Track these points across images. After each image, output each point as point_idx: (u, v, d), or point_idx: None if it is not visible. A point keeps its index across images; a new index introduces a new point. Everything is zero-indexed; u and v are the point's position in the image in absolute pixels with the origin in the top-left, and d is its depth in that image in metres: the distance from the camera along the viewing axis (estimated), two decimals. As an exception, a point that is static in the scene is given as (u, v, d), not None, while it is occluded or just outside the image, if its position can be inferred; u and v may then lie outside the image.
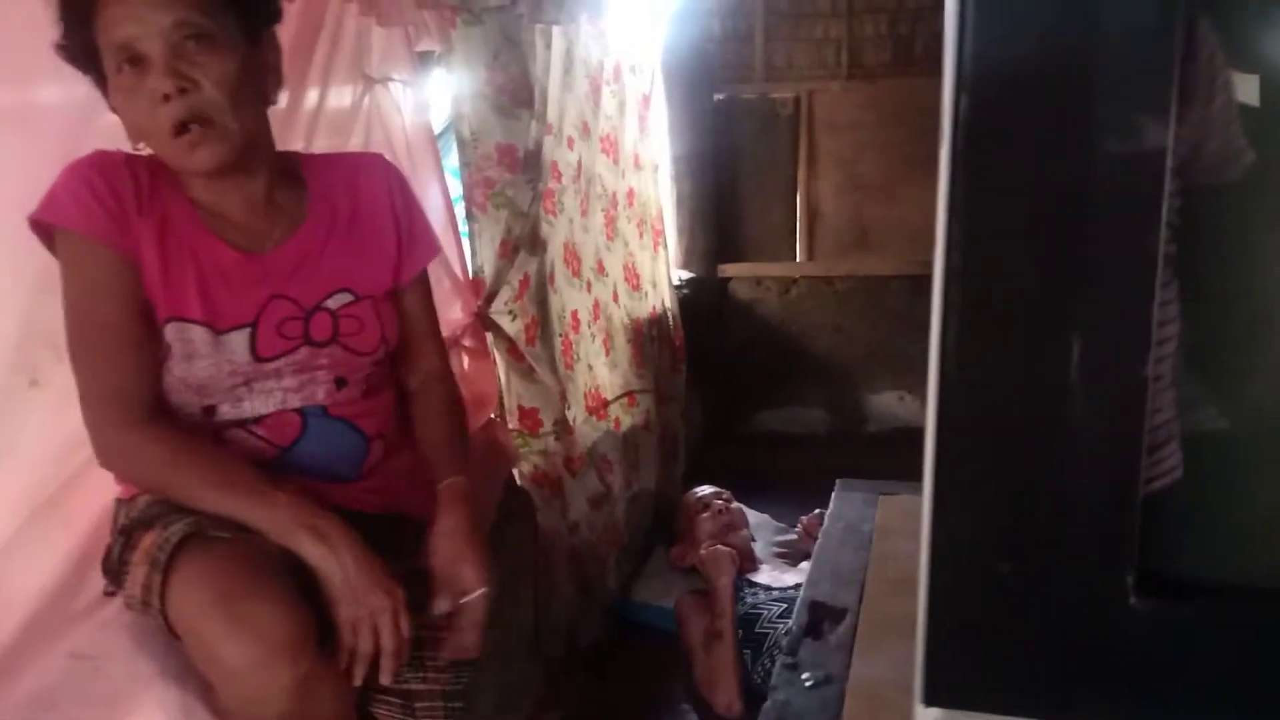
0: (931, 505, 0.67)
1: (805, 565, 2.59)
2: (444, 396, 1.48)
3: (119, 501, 1.26)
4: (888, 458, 3.62)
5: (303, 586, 1.12)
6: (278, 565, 1.11)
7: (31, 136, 1.24)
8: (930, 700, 0.65)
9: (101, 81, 1.20)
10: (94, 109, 1.24)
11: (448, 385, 1.50)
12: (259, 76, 1.25)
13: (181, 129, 1.16)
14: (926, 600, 0.65)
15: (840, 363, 3.82)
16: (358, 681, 1.15)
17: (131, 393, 1.18)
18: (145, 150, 1.24)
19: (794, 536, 2.78)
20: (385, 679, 1.16)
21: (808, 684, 0.87)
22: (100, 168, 1.19)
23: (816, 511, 2.67)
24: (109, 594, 1.26)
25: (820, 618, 1.00)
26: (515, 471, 2.14)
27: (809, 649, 0.94)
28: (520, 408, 2.19)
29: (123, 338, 1.18)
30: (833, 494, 1.47)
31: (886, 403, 3.81)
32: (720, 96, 3.72)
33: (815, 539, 2.61)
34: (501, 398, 2.15)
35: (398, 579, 1.17)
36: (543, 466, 2.23)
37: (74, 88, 1.23)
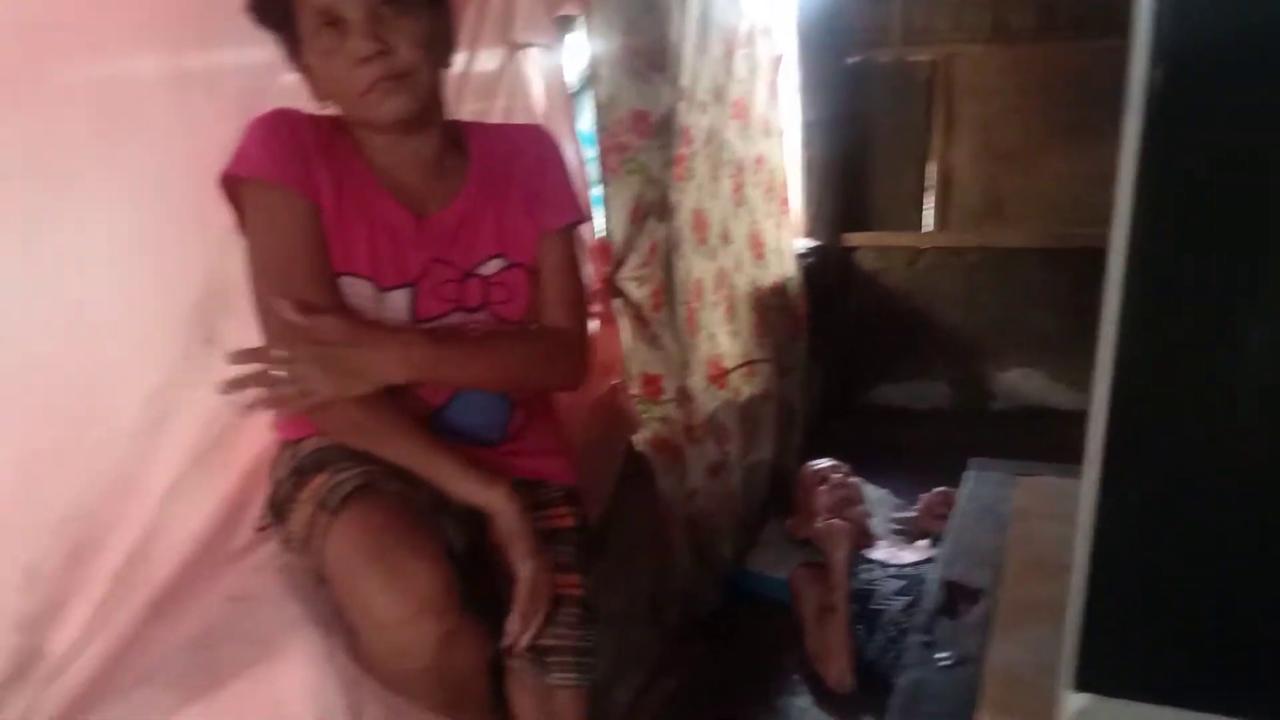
0: (1098, 488, 0.64)
1: (923, 543, 2.55)
2: (547, 340, 1.43)
3: (285, 443, 1.33)
4: (1014, 436, 3.53)
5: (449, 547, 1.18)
6: (432, 523, 1.16)
7: (213, 100, 1.29)
8: (1081, 685, 0.63)
9: (289, 42, 1.25)
10: (270, 73, 1.29)
11: (572, 343, 1.45)
12: (441, 40, 1.30)
13: (374, 84, 1.20)
14: (1084, 583, 0.62)
15: (967, 337, 3.71)
16: (516, 638, 1.23)
17: None
18: (328, 108, 1.28)
19: (913, 514, 2.73)
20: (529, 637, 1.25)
21: (943, 663, 0.86)
22: (285, 120, 1.25)
23: (939, 489, 2.62)
24: (260, 530, 1.33)
25: (955, 597, 0.99)
26: (636, 438, 2.16)
27: (944, 628, 0.93)
28: (644, 374, 2.20)
29: (315, 276, 1.24)
30: (966, 473, 1.43)
31: (1014, 380, 3.69)
32: (854, 60, 3.61)
33: (937, 517, 2.57)
34: (625, 364, 2.17)
35: None
36: (663, 433, 2.24)
37: (252, 52, 1.29)
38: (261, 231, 1.25)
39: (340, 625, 1.18)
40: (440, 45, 1.30)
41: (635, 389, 2.18)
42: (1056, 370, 3.60)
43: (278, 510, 1.28)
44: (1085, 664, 0.63)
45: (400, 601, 1.08)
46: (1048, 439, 3.43)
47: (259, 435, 1.37)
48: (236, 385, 1.16)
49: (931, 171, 3.68)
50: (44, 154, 1.13)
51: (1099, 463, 0.63)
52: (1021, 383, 3.68)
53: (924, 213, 3.72)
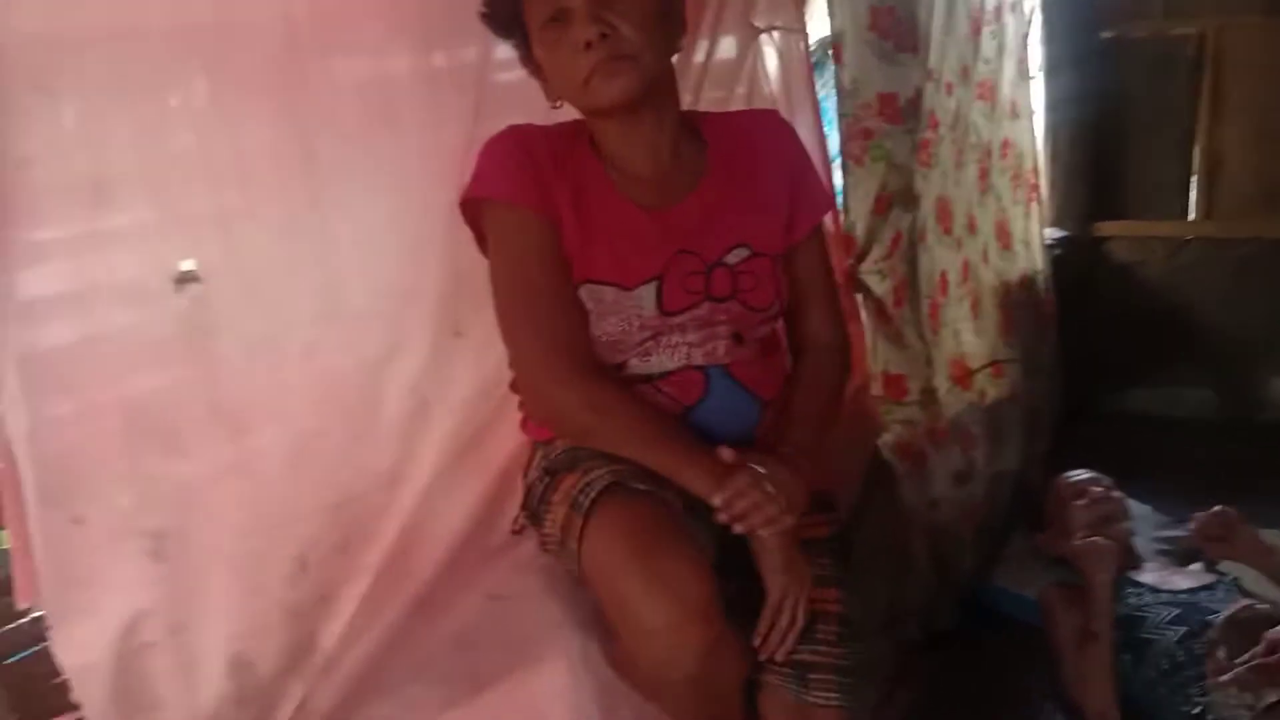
0: None
1: (1196, 567, 2.29)
2: (829, 373, 1.42)
3: (536, 443, 1.33)
4: (1288, 451, 3.17)
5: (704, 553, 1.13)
6: (687, 527, 1.11)
7: (460, 97, 1.30)
8: None
9: (521, 44, 1.26)
10: (510, 70, 1.29)
11: (837, 360, 1.44)
12: (669, 21, 1.26)
13: (597, 67, 1.19)
14: None
15: (1234, 338, 3.34)
16: (771, 652, 1.18)
17: (572, 347, 1.23)
18: (560, 108, 1.27)
19: (1182, 533, 2.46)
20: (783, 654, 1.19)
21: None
22: (518, 140, 1.26)
23: (1216, 509, 2.35)
24: (516, 531, 1.33)
25: None
26: (880, 441, 2.05)
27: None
28: (885, 374, 2.09)
29: (558, 296, 1.24)
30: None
31: (1292, 388, 3.30)
32: (1108, 35, 3.32)
33: (1213, 539, 2.31)
34: (868, 362, 2.06)
35: None
36: (905, 437, 2.11)
37: (494, 51, 1.30)
38: (501, 251, 1.26)
39: (597, 628, 1.14)
40: (667, 28, 1.26)
41: (878, 389, 2.07)
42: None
43: (533, 512, 1.27)
44: None
45: (665, 607, 1.03)
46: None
47: (512, 434, 1.37)
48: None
49: (1196, 156, 3.34)
50: (317, 146, 1.15)
51: None
52: (1299, 392, 3.29)
53: (1187, 201, 3.39)
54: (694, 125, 1.38)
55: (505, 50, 1.31)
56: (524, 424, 1.36)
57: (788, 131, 1.44)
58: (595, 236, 1.26)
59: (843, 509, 1.60)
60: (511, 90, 1.35)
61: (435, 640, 1.10)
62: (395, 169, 1.26)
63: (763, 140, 1.40)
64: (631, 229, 1.28)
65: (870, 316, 2.04)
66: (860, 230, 2.01)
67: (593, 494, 1.13)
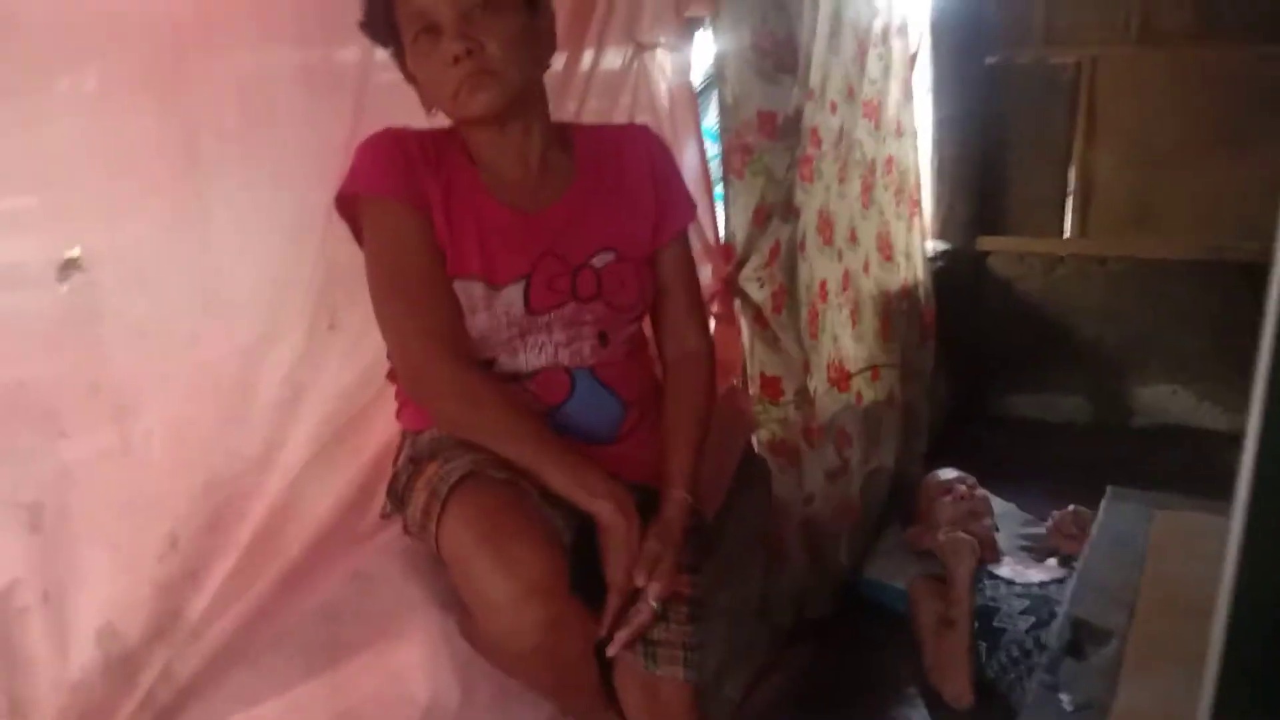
0: (1244, 524, 0.60)
1: (1051, 562, 2.46)
2: (697, 380, 1.50)
3: (405, 434, 1.38)
4: (1154, 455, 3.38)
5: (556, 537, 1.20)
6: (539, 511, 1.18)
7: (336, 98, 1.35)
8: None
9: (398, 53, 1.32)
10: (385, 73, 1.36)
11: (704, 367, 1.51)
12: (536, 40, 1.33)
13: (464, 80, 1.25)
14: (1224, 630, 0.59)
15: (1107, 350, 3.55)
16: (616, 648, 1.25)
17: (448, 334, 1.29)
18: (436, 118, 1.34)
19: (1041, 531, 2.63)
20: (624, 642, 1.26)
21: (1068, 708, 0.81)
22: (392, 139, 1.31)
23: (1071, 508, 2.52)
24: (384, 516, 1.39)
25: (1083, 637, 0.94)
26: (754, 439, 2.15)
27: (1069, 670, 0.88)
28: (762, 375, 2.19)
29: (434, 285, 1.29)
30: (1102, 503, 1.36)
31: (1157, 396, 3.51)
32: (992, 60, 3.51)
33: (1068, 537, 2.48)
34: (744, 364, 2.16)
35: None
36: (781, 435, 2.23)
37: (351, 52, 1.36)
38: (378, 245, 1.31)
39: (456, 608, 1.21)
40: (536, 44, 1.34)
41: (755, 389, 2.18)
42: (1205, 389, 3.41)
43: (397, 498, 1.33)
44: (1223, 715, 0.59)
45: (509, 583, 1.10)
46: (1191, 461, 3.31)
47: (387, 425, 1.42)
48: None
49: (1072, 177, 3.54)
50: (201, 142, 1.19)
51: (1248, 496, 0.59)
52: (1166, 400, 3.50)
53: (1064, 219, 3.59)
54: (565, 136, 1.45)
55: (384, 57, 1.36)
56: (399, 414, 1.41)
57: (654, 142, 1.51)
58: (465, 234, 1.32)
59: (708, 500, 1.69)
60: (392, 91, 1.39)
61: (298, 614, 1.15)
62: (274, 166, 1.30)
63: (629, 150, 1.47)
64: (500, 229, 1.34)
65: (748, 321, 2.15)
66: (739, 240, 2.11)
67: (451, 481, 1.17)
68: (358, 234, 1.34)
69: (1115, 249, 3.52)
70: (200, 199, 1.20)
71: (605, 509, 1.24)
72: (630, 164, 1.46)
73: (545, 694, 1.30)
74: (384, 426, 1.43)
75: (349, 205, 1.33)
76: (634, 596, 1.27)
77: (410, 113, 1.36)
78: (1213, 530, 1.19)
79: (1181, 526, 1.21)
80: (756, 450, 2.13)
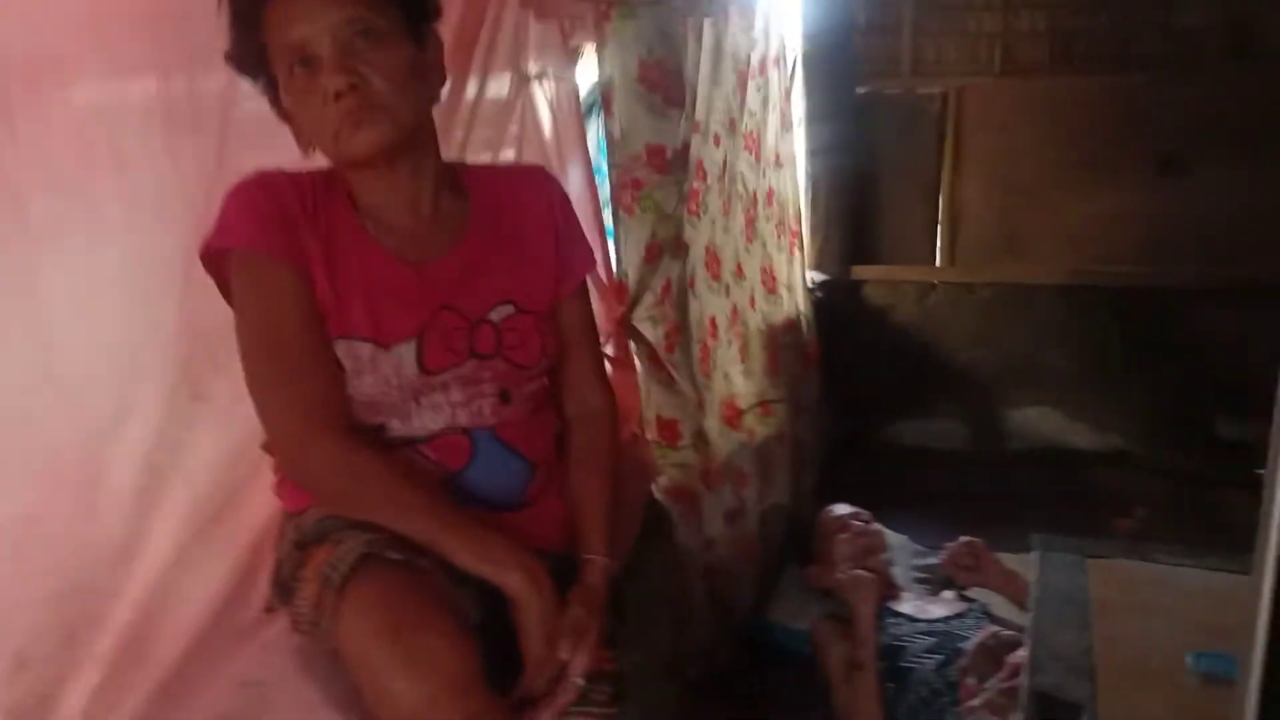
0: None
1: (949, 595, 2.44)
2: (602, 439, 1.42)
3: (287, 515, 1.24)
4: (1030, 478, 3.45)
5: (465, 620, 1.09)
6: (446, 595, 1.07)
7: (199, 137, 1.20)
8: None
9: (270, 88, 1.19)
10: (232, 118, 1.22)
11: (609, 424, 1.44)
12: (423, 72, 1.22)
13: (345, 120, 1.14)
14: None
15: (981, 375, 3.63)
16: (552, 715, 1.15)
17: (328, 405, 1.16)
18: (314, 159, 1.21)
19: (935, 561, 2.62)
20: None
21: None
22: (265, 186, 1.18)
23: (964, 540, 2.52)
24: (269, 610, 1.24)
25: (1050, 713, 0.87)
26: (654, 487, 2.06)
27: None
28: (659, 418, 2.11)
29: (312, 351, 1.16)
30: (1033, 554, 1.32)
31: (1030, 420, 3.60)
32: (862, 91, 3.55)
33: (963, 569, 2.47)
34: (641, 409, 2.07)
35: None
36: (680, 480, 2.14)
37: (214, 81, 1.21)
38: (249, 304, 1.17)
39: (356, 710, 1.07)
40: (423, 78, 1.22)
41: (652, 434, 2.08)
42: (1074, 410, 3.52)
43: (283, 589, 1.18)
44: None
45: (418, 682, 0.99)
46: (1067, 482, 3.40)
47: (267, 503, 1.27)
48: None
49: (941, 205, 3.61)
50: (29, 198, 1.03)
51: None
52: (1038, 422, 3.59)
53: (934, 247, 3.65)
54: (456, 178, 1.34)
55: (252, 94, 1.23)
56: (278, 491, 1.27)
57: (554, 187, 1.42)
58: (350, 290, 1.19)
59: (615, 560, 1.58)
60: (261, 125, 1.25)
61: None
62: (123, 217, 1.14)
63: (528, 196, 1.38)
64: (389, 283, 1.22)
65: (643, 363, 2.06)
66: (632, 279, 2.02)
67: (344, 568, 1.05)
68: (226, 292, 1.20)
69: (984, 275, 3.60)
70: (28, 264, 1.03)
71: (515, 581, 1.13)
72: (528, 209, 1.37)
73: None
74: (262, 506, 1.28)
75: (217, 260, 1.18)
76: (555, 672, 1.17)
77: (284, 150, 1.22)
78: (1148, 581, 1.17)
79: (1118, 579, 1.18)
80: (658, 498, 2.03)
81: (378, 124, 1.14)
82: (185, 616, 1.12)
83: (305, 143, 1.22)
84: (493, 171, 1.42)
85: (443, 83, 1.27)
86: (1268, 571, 0.53)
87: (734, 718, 2.23)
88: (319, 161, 1.24)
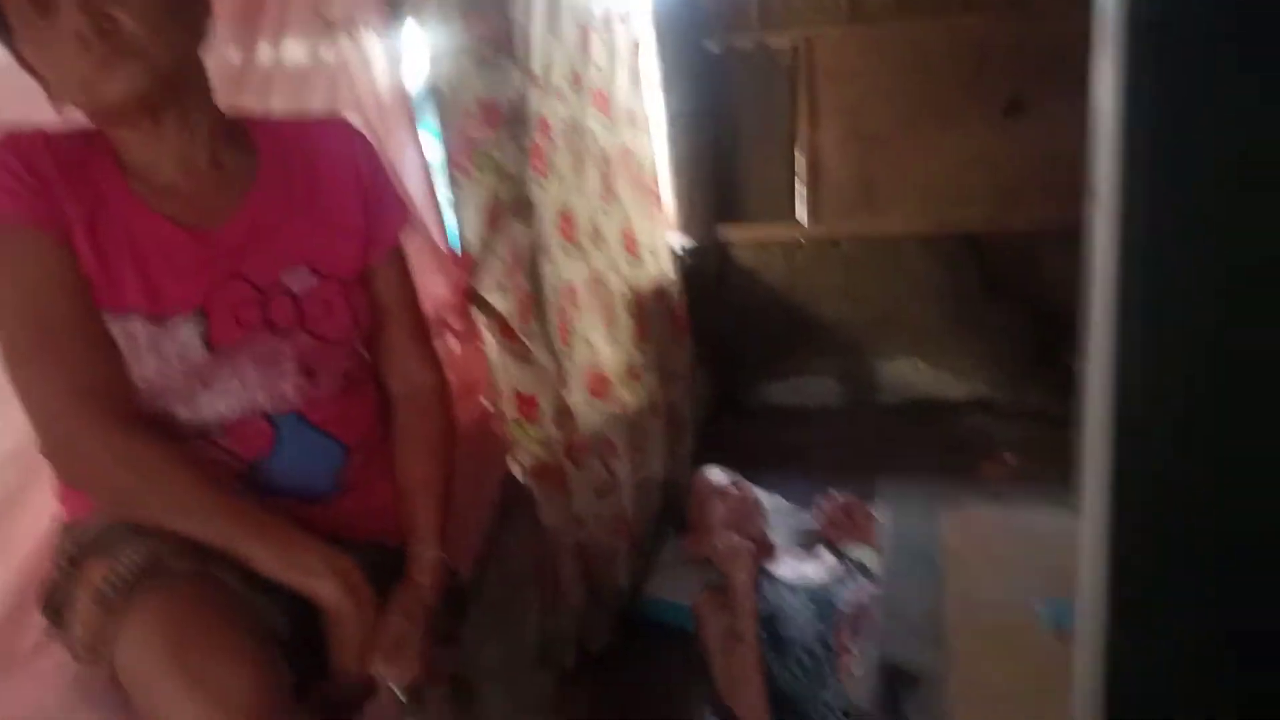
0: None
1: (825, 554, 2.39)
2: (431, 419, 1.29)
3: (64, 527, 1.08)
4: (902, 429, 3.46)
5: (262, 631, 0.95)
6: (240, 608, 0.93)
7: None
8: None
9: (6, 40, 1.03)
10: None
11: (437, 401, 1.31)
12: (184, 8, 1.06)
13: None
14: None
15: (850, 330, 3.61)
16: None
17: (103, 389, 1.02)
18: (72, 114, 1.04)
19: (809, 519, 2.57)
20: None
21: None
22: (16, 149, 1.03)
23: (840, 498, 2.47)
24: (49, 636, 1.08)
25: (896, 684, 0.79)
26: (512, 466, 1.93)
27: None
28: (517, 394, 1.97)
29: (84, 331, 1.02)
30: (878, 500, 1.24)
31: (900, 371, 3.60)
32: (714, 46, 3.46)
33: (837, 527, 2.42)
34: (493, 384, 1.93)
35: None
36: (543, 457, 2.02)
37: None
38: (15, 287, 1.03)
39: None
40: (185, 15, 1.07)
41: (510, 410, 1.95)
42: (940, 359, 3.53)
43: (56, 612, 1.03)
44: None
45: (207, 714, 0.86)
46: (937, 431, 3.41)
47: (44, 514, 1.10)
48: None
49: (800, 160, 3.56)
50: None
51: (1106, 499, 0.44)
52: (907, 374, 3.60)
53: (797, 204, 3.60)
54: (240, 130, 1.18)
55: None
56: (62, 499, 1.10)
57: (358, 139, 1.27)
58: (119, 261, 1.04)
59: (465, 548, 1.46)
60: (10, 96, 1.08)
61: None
62: None
63: (326, 148, 1.23)
64: (164, 251, 1.07)
65: (493, 335, 1.92)
66: (474, 245, 1.88)
67: (123, 585, 0.92)
68: None
69: (846, 230, 3.57)
70: None
71: (326, 589, 1.02)
72: (328, 164, 1.21)
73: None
74: (40, 517, 1.12)
75: None
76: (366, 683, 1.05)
77: (35, 111, 1.05)
78: (1003, 529, 1.11)
79: (972, 529, 1.11)
80: (518, 479, 1.91)
81: (128, 67, 0.99)
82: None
83: (56, 97, 1.05)
84: (284, 124, 1.26)
85: (209, 18, 1.11)
86: (1097, 515, 0.45)
87: (612, 698, 2.13)
88: (78, 120, 1.07)
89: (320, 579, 1.01)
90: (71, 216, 1.03)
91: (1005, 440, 3.05)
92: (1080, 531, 0.46)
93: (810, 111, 3.50)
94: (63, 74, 1.01)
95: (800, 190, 3.57)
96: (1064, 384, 3.23)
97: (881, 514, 1.23)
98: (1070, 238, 3.19)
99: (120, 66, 0.98)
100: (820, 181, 3.58)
